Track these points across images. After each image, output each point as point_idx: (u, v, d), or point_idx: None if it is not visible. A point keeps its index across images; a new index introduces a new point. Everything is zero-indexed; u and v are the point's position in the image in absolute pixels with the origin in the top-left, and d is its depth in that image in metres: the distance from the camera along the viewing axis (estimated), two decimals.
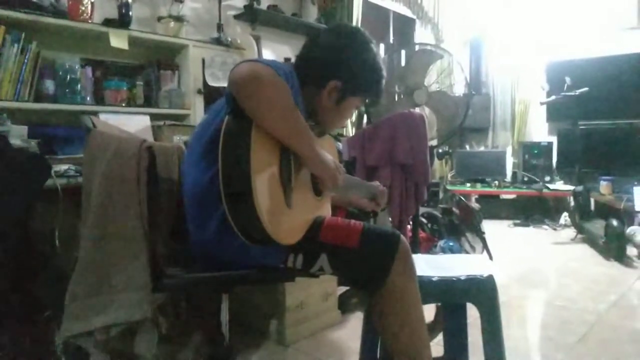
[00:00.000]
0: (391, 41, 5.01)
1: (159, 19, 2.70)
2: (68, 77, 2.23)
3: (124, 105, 2.45)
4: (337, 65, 1.27)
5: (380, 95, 1.38)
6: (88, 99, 2.33)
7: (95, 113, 2.15)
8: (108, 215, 1.13)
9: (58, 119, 2.26)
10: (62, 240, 1.61)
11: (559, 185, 4.98)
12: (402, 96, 3.09)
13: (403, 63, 3.42)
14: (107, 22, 2.35)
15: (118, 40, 2.35)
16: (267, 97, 1.00)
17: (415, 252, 2.62)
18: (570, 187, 4.48)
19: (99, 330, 1.11)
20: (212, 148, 1.06)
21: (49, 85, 2.19)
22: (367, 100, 1.39)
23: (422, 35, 5.22)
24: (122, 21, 2.39)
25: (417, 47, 3.05)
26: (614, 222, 3.39)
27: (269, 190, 0.99)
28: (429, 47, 3.04)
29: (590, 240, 3.91)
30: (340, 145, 2.85)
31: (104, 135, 1.24)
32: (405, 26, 5.18)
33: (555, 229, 4.65)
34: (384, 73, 1.35)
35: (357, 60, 1.28)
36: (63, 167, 1.77)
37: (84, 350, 1.18)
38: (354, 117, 4.13)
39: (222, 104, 1.17)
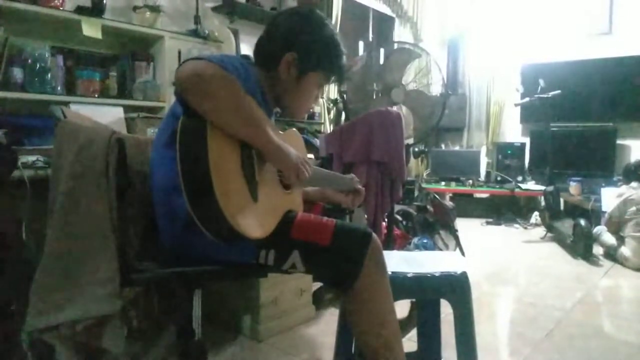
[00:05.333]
0: (370, 39, 5.02)
1: (135, 8, 2.63)
2: (38, 65, 2.15)
3: (96, 96, 2.39)
4: (291, 38, 1.26)
5: (343, 73, 1.34)
6: (59, 88, 2.26)
7: (66, 103, 2.09)
8: (75, 208, 1.10)
9: (27, 108, 2.18)
10: (29, 233, 1.56)
11: (531, 185, 5.10)
12: (379, 94, 3.11)
13: (382, 61, 3.44)
14: (80, 10, 2.27)
15: (91, 29, 2.29)
16: (211, 95, 0.99)
17: (390, 248, 2.65)
18: (542, 187, 4.59)
19: (65, 325, 1.08)
20: (174, 141, 1.04)
21: (18, 74, 2.10)
22: (331, 79, 1.34)
23: (401, 33, 5.26)
24: (95, 9, 2.32)
25: (395, 46, 3.08)
26: (582, 222, 3.50)
27: (231, 186, 0.99)
28: (407, 46, 3.07)
29: (559, 239, 4.02)
30: (317, 141, 2.85)
31: (73, 126, 1.21)
32: (384, 24, 5.20)
33: (526, 228, 4.76)
34: (343, 49, 1.32)
35: (311, 34, 1.27)
36: (31, 158, 1.71)
37: (50, 345, 1.15)
38: (332, 115, 4.14)
39: None
